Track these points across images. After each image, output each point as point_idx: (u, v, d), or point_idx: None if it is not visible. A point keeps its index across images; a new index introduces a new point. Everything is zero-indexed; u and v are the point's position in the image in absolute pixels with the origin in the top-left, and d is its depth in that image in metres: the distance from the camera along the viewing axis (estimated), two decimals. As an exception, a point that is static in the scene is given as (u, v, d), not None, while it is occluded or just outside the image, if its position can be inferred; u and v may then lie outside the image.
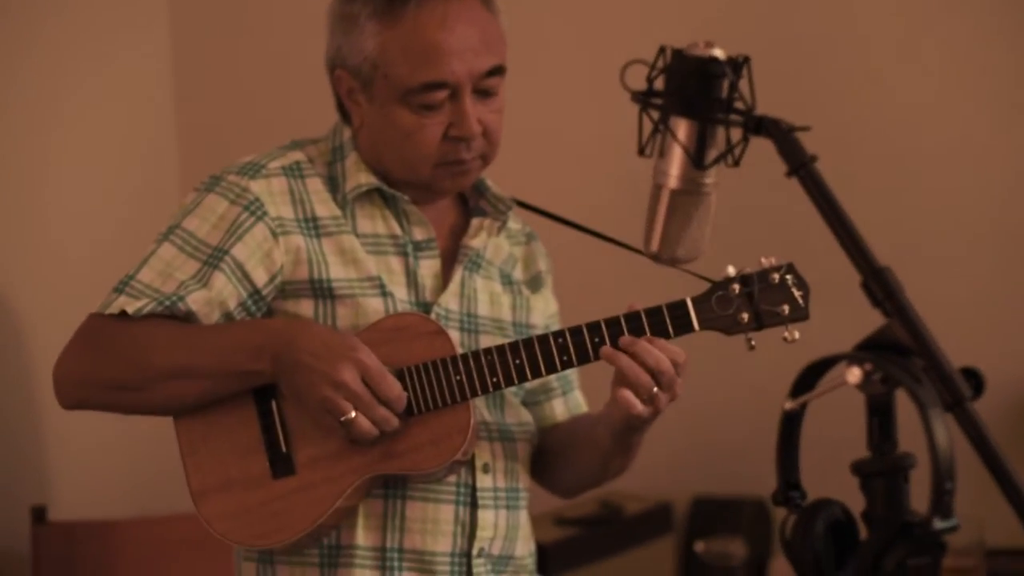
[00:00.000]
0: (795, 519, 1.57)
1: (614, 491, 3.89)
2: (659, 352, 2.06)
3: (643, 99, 1.61)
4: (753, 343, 2.09)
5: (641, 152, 1.64)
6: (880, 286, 1.51)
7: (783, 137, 1.57)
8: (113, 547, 3.32)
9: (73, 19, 3.68)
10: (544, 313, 2.36)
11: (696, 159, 1.62)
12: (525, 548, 2.30)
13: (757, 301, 2.08)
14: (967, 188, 3.75)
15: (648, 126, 1.63)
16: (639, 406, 2.07)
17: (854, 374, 1.50)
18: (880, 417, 1.54)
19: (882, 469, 1.52)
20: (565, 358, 2.10)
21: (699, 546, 3.65)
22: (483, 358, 2.10)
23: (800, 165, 1.55)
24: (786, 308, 2.08)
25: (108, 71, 3.82)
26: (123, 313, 2.09)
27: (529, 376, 2.11)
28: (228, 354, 2.09)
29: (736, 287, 2.09)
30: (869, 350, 1.52)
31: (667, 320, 2.09)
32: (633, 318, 2.09)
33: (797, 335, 2.08)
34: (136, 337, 2.10)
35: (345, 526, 2.16)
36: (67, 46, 3.67)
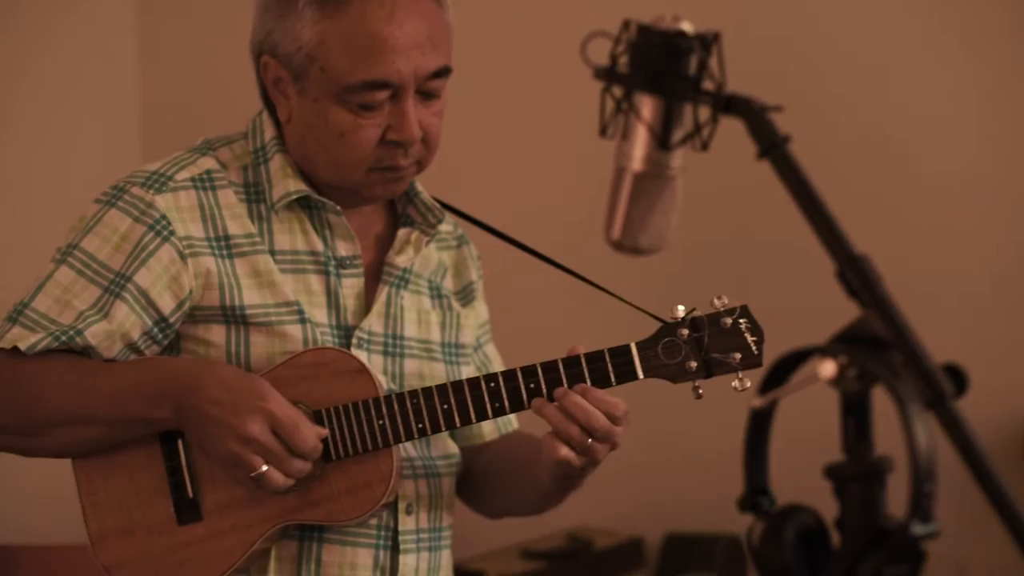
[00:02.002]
0: (763, 526, 1.46)
1: (584, 525, 3.80)
2: (592, 408, 1.95)
3: (606, 75, 1.51)
4: (701, 391, 2.00)
5: (603, 133, 1.54)
6: (857, 275, 1.41)
7: (754, 117, 1.47)
8: (53, 573, 3.23)
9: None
10: (475, 327, 2.24)
11: (661, 139, 1.52)
12: None
13: (707, 347, 1.98)
14: (959, 182, 3.66)
15: (611, 105, 1.53)
16: (564, 450, 1.95)
17: (828, 369, 1.40)
18: (855, 416, 1.44)
19: (857, 473, 1.42)
20: (497, 405, 1.98)
21: (671, 584, 3.56)
22: (408, 402, 1.98)
23: (772, 146, 1.45)
24: (738, 356, 1.98)
25: (72, 50, 3.79)
26: (15, 349, 1.96)
27: (458, 423, 1.99)
28: (126, 401, 1.96)
29: (684, 332, 1.98)
30: (844, 343, 1.41)
31: (609, 367, 1.98)
32: (572, 363, 1.98)
33: (749, 384, 1.96)
34: (28, 378, 1.96)
35: (255, 568, 2.04)
36: (31, 24, 3.63)
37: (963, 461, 1.36)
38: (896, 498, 1.42)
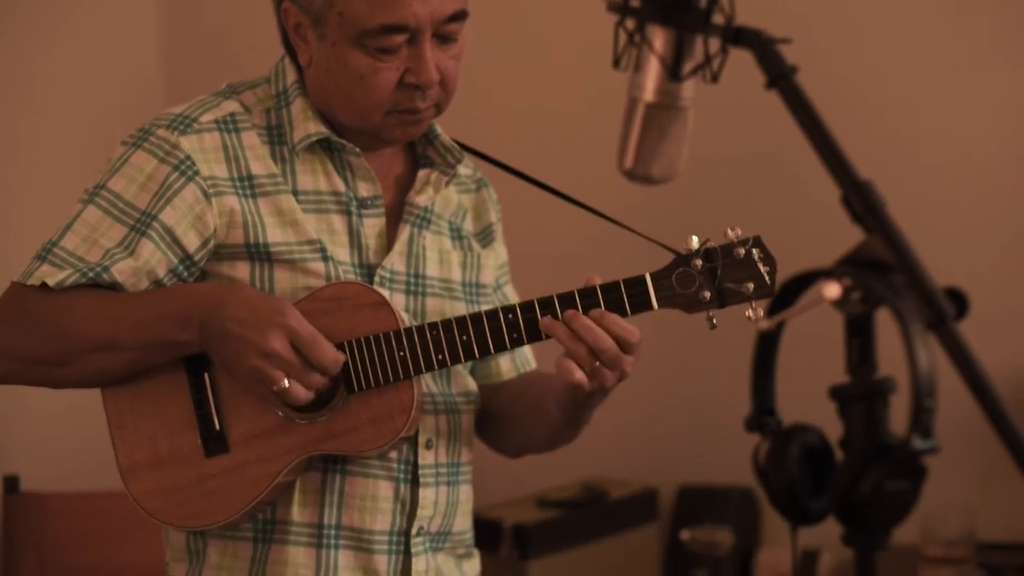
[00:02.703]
0: (768, 445, 1.50)
1: (599, 475, 3.84)
2: (600, 331, 1.97)
3: (620, 8, 1.55)
4: (715, 321, 2.02)
5: (616, 64, 1.58)
6: (861, 200, 1.45)
7: (763, 48, 1.51)
8: (86, 519, 3.27)
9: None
10: (495, 268, 2.28)
11: (673, 70, 1.56)
12: (464, 523, 2.22)
13: (720, 278, 2.00)
14: (959, 171, 3.69)
15: (624, 38, 1.58)
16: (578, 374, 1.97)
17: (832, 290, 1.44)
18: (859, 338, 1.47)
19: (861, 392, 1.46)
20: (515, 336, 2.01)
21: (685, 534, 3.59)
22: (428, 333, 2.01)
23: (779, 76, 1.49)
24: (751, 286, 2.00)
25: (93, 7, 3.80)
26: (44, 285, 2.00)
27: (477, 354, 2.02)
28: (152, 325, 1.99)
29: (698, 262, 2.00)
30: (848, 266, 1.45)
31: (624, 297, 2.00)
32: (588, 294, 2.00)
33: (761, 313, 1.98)
34: (57, 311, 2.00)
35: (280, 501, 2.08)
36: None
37: (963, 381, 1.40)
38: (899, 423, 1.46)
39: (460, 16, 2.06)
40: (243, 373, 1.97)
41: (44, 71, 3.68)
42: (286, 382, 1.95)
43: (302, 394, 1.97)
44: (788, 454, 1.48)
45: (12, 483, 3.29)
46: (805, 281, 1.49)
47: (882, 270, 1.44)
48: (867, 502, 1.42)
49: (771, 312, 1.50)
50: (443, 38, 2.05)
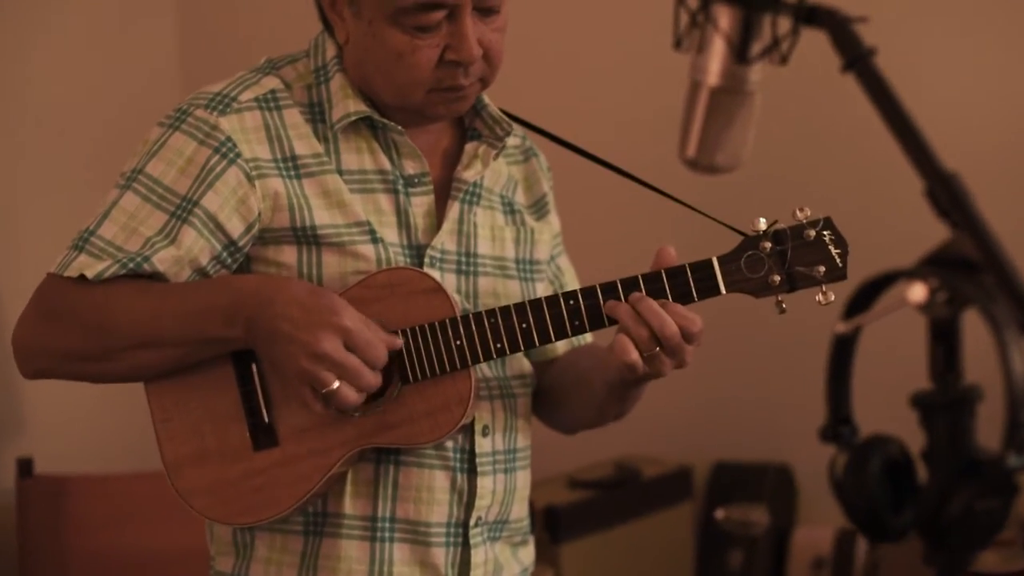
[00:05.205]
0: (847, 458, 1.39)
1: (631, 454, 3.75)
2: (666, 316, 1.88)
3: (681, -16, 1.43)
4: (784, 306, 1.93)
5: (677, 45, 1.46)
6: (947, 194, 1.33)
7: (839, 28, 1.39)
8: (103, 502, 3.22)
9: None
10: (550, 242, 2.19)
11: (740, 52, 1.44)
12: (521, 510, 2.14)
13: (790, 261, 1.91)
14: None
15: (686, 17, 1.45)
16: (634, 355, 1.89)
17: (918, 292, 1.32)
18: (944, 343, 1.36)
19: (946, 401, 1.35)
20: (577, 323, 1.92)
21: (720, 513, 3.52)
22: (486, 321, 1.92)
23: (857, 58, 1.37)
24: (822, 269, 1.91)
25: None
26: (83, 276, 1.90)
27: (537, 342, 1.93)
28: (197, 320, 1.90)
29: (767, 245, 1.91)
30: (933, 266, 1.34)
31: (691, 282, 1.91)
32: (653, 279, 1.92)
33: (832, 297, 1.90)
34: (98, 304, 1.90)
35: (332, 492, 1.99)
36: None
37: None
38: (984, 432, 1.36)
39: None
40: (292, 374, 1.88)
41: (51, 63, 3.60)
42: (335, 384, 1.86)
43: (352, 397, 1.88)
44: (868, 469, 1.38)
45: (26, 466, 3.22)
46: (884, 282, 1.38)
47: (970, 270, 1.33)
48: (956, 523, 1.31)
49: (847, 314, 1.39)
50: (485, 11, 1.95)
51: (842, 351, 1.41)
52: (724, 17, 1.45)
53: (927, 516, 1.33)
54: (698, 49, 1.47)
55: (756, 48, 1.46)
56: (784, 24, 1.44)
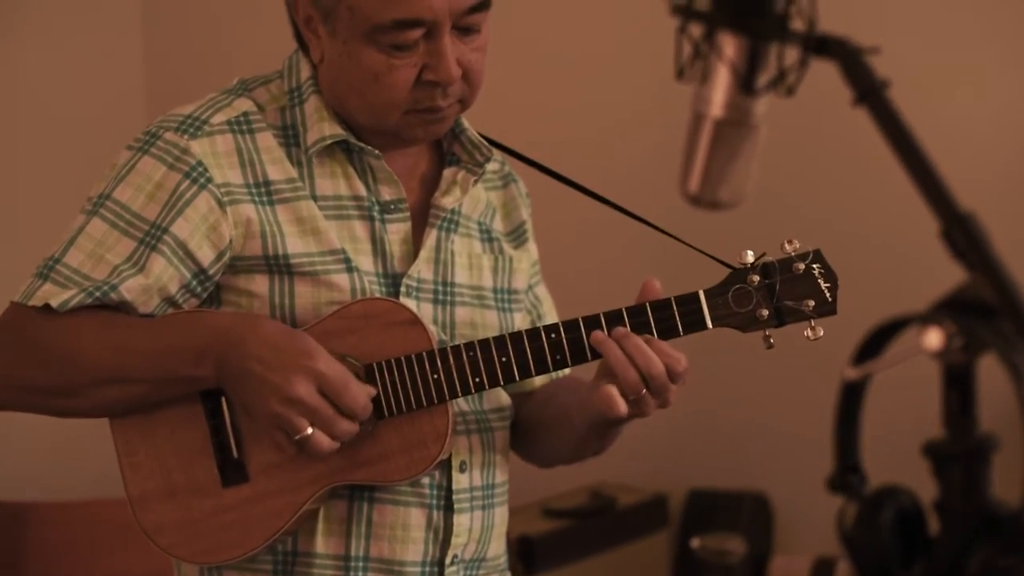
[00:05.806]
0: (857, 509, 1.33)
1: (606, 482, 3.70)
2: (652, 354, 1.83)
3: (684, 11, 1.37)
4: (772, 341, 1.88)
5: (679, 75, 1.40)
6: (964, 235, 1.28)
7: (850, 59, 1.33)
8: (60, 529, 3.18)
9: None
10: (528, 271, 2.13)
11: (746, 82, 1.38)
12: (499, 547, 2.08)
13: (779, 295, 1.86)
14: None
15: (687, 45, 1.39)
16: (622, 406, 1.84)
17: (934, 339, 1.26)
18: (959, 390, 1.30)
19: (961, 451, 1.29)
20: (558, 357, 1.87)
21: (696, 542, 3.47)
22: (465, 355, 1.87)
23: (869, 91, 1.31)
24: (811, 303, 1.87)
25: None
26: (47, 306, 1.83)
27: (517, 377, 1.88)
28: (165, 359, 1.83)
29: (755, 278, 1.87)
30: (947, 310, 1.28)
31: (676, 316, 1.86)
32: (637, 312, 1.86)
33: (821, 333, 1.86)
34: (62, 336, 1.83)
35: (303, 530, 1.92)
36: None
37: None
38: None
39: (482, 6, 1.89)
40: (263, 418, 1.82)
41: (23, 75, 3.53)
42: (309, 430, 1.80)
43: (326, 444, 1.82)
44: (880, 523, 1.31)
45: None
46: (897, 327, 1.32)
47: (987, 315, 1.27)
48: (975, 581, 1.25)
49: (858, 360, 1.33)
50: (465, 30, 1.89)
51: (851, 397, 1.35)
52: (730, 46, 1.39)
53: (941, 572, 1.27)
54: (701, 79, 1.41)
55: (763, 79, 1.40)
56: (791, 54, 1.39)
